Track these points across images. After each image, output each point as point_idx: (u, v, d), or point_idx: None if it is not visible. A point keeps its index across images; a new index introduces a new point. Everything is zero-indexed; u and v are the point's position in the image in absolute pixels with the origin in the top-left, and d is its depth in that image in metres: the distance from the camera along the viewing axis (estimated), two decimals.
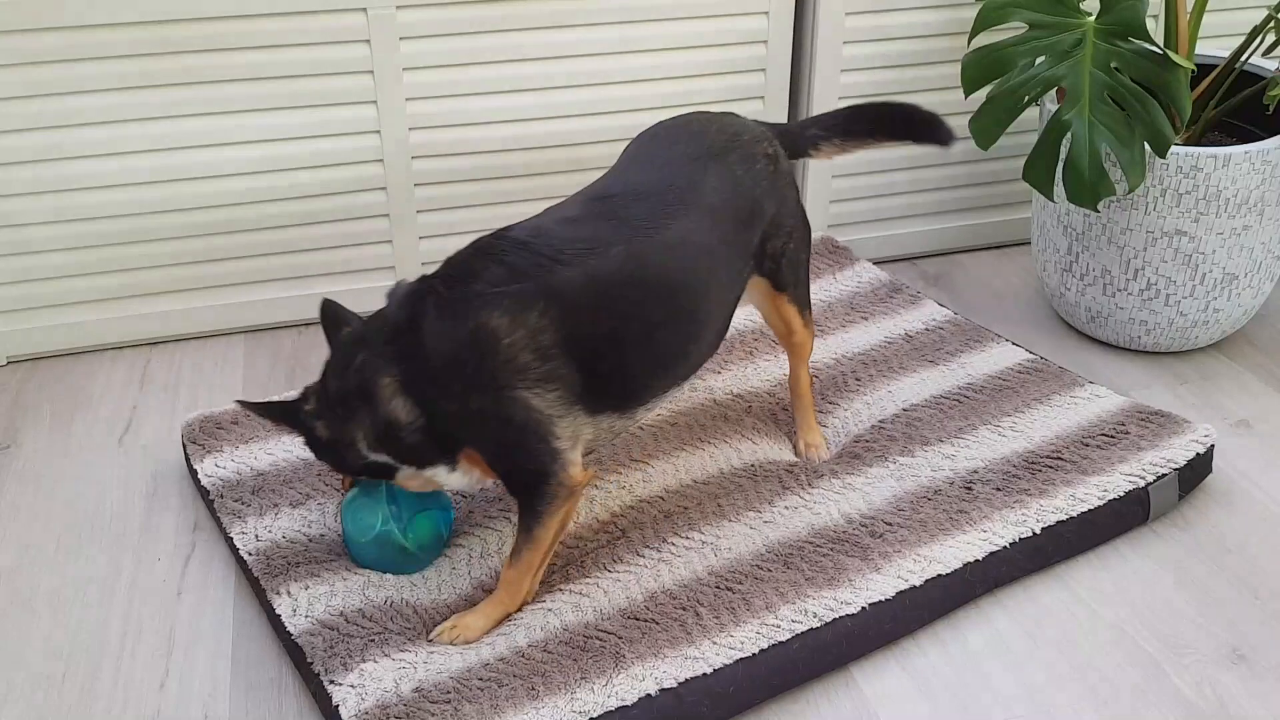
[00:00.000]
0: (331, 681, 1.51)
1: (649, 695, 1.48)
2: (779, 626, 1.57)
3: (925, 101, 2.47)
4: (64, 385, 2.21)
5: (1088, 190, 2.04)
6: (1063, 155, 2.07)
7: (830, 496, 1.82)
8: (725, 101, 2.40)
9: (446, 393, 1.53)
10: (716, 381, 2.11)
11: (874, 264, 2.50)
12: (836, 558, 1.69)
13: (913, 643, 1.64)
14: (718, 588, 1.65)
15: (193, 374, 2.24)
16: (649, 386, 1.66)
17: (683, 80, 2.37)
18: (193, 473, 1.91)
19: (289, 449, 1.92)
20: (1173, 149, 2.05)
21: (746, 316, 2.21)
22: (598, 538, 1.75)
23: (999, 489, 1.81)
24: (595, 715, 1.46)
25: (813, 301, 1.93)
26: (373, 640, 1.57)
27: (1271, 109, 2.13)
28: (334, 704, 1.48)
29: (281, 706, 1.56)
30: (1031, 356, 2.16)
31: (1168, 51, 1.99)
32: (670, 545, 1.73)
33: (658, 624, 1.59)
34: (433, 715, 1.46)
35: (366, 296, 2.05)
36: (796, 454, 1.96)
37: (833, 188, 2.55)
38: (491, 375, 1.51)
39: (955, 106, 2.46)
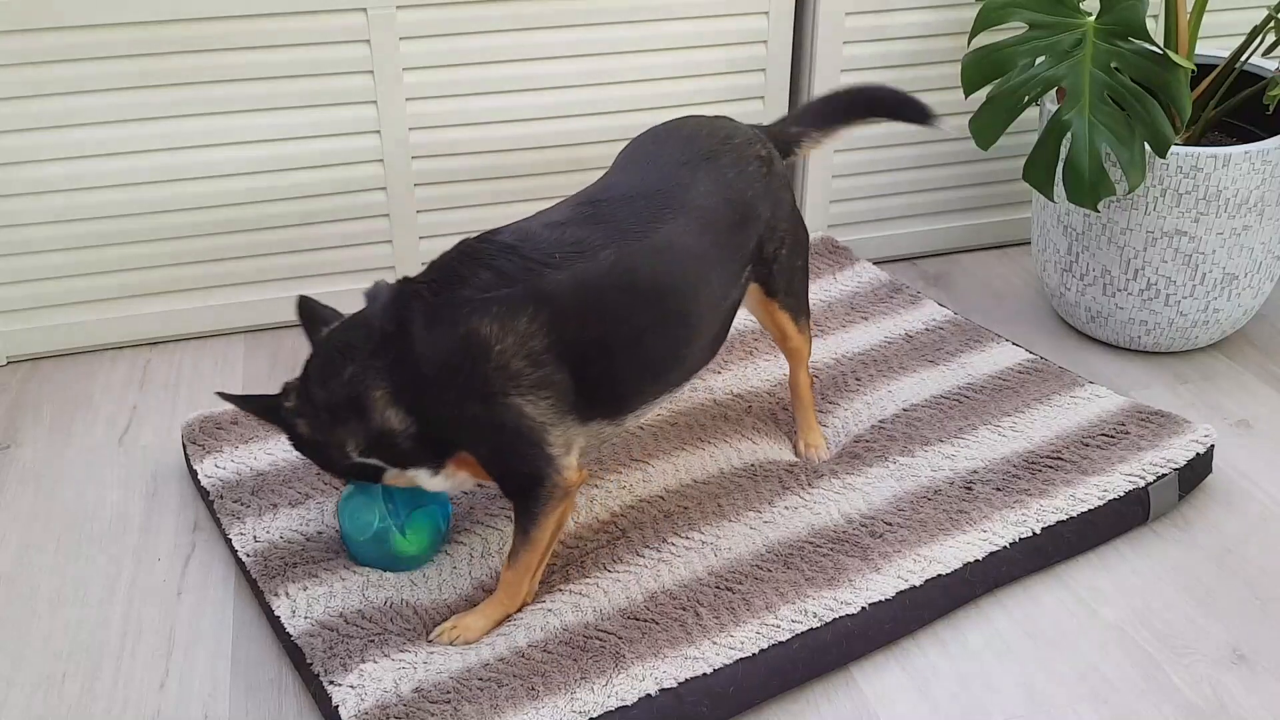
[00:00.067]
0: (331, 682, 1.51)
1: (649, 695, 1.48)
2: (779, 626, 1.57)
3: (925, 101, 2.49)
4: (64, 385, 2.21)
5: (1088, 190, 2.04)
6: (1063, 155, 2.07)
7: (830, 496, 1.82)
8: (725, 101, 2.40)
9: (441, 400, 1.52)
10: (716, 381, 2.11)
11: (874, 264, 2.50)
12: (836, 558, 1.69)
13: (913, 643, 1.64)
14: (718, 588, 1.65)
15: (193, 374, 2.24)
16: (639, 392, 1.66)
17: (683, 80, 2.37)
18: (193, 473, 1.91)
19: (289, 449, 1.91)
20: (1173, 149, 2.05)
21: (746, 316, 2.21)
22: (598, 538, 1.75)
23: (999, 489, 1.81)
24: (595, 715, 1.46)
25: (813, 301, 1.92)
26: (372, 641, 1.57)
27: (1271, 109, 2.13)
28: (334, 704, 1.48)
29: (281, 707, 1.56)
30: (1031, 356, 2.16)
31: (1168, 51, 1.99)
32: (670, 545, 1.73)
33: (658, 624, 1.59)
34: (433, 715, 1.46)
35: None
36: (796, 454, 1.96)
37: (833, 188, 2.55)
38: (484, 381, 1.51)
39: (955, 106, 2.47)
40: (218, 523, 1.82)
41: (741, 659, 1.53)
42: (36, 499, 1.92)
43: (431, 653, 1.56)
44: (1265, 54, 2.24)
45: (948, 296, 2.48)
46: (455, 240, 1.61)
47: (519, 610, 1.63)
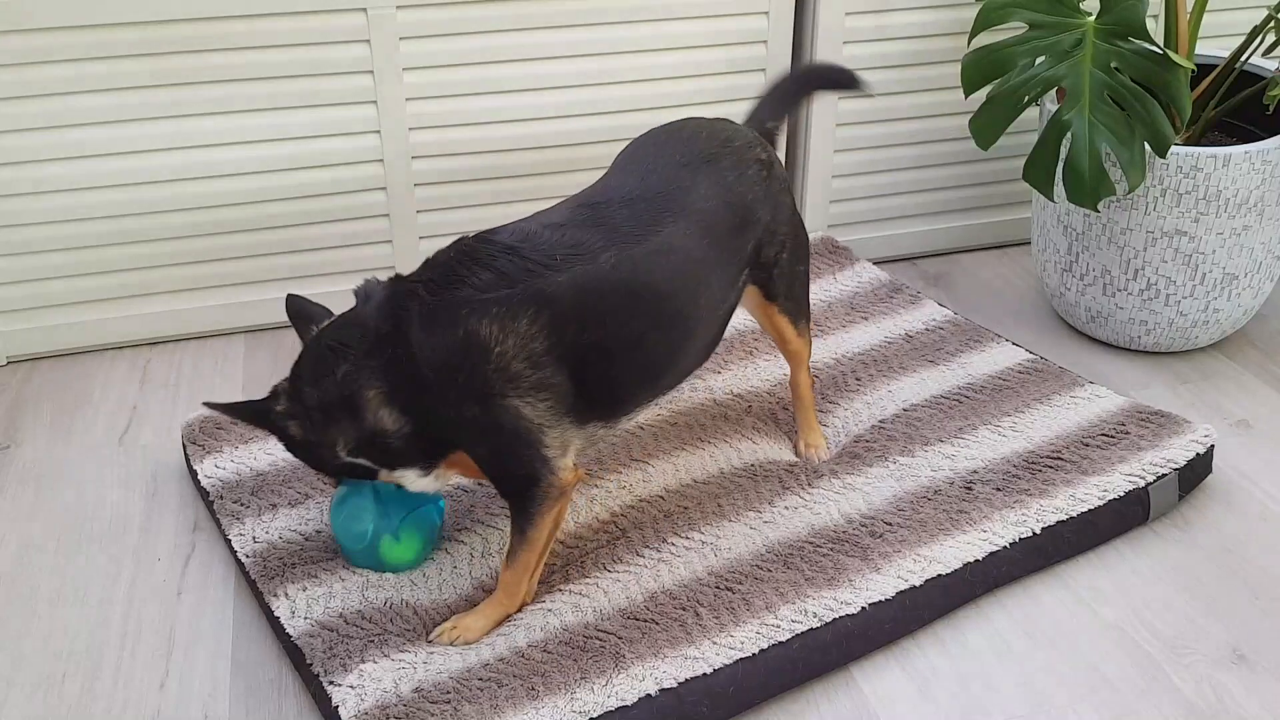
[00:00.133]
0: (331, 682, 1.51)
1: (649, 695, 1.48)
2: (779, 626, 1.57)
3: (925, 101, 2.50)
4: (64, 385, 2.21)
5: (1088, 190, 2.04)
6: (1063, 155, 2.07)
7: (830, 496, 1.82)
8: (725, 101, 2.40)
9: (439, 401, 1.52)
10: (716, 381, 2.11)
11: (874, 264, 2.50)
12: (836, 558, 1.69)
13: (913, 643, 1.64)
14: (718, 588, 1.64)
15: (193, 374, 2.24)
16: (636, 395, 1.66)
17: (683, 80, 2.37)
18: (192, 473, 1.91)
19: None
20: (1173, 149, 2.05)
21: (747, 316, 2.21)
22: (598, 538, 1.75)
23: (999, 489, 1.81)
24: (595, 715, 1.46)
25: (813, 301, 1.92)
26: (372, 641, 1.57)
27: (1271, 109, 2.13)
28: (333, 705, 1.48)
29: (281, 707, 1.56)
30: (1031, 356, 2.16)
31: (1168, 51, 1.99)
32: (670, 545, 1.73)
33: (658, 624, 1.59)
34: (432, 715, 1.46)
35: None
36: (796, 454, 1.96)
37: (833, 188, 2.55)
38: (484, 383, 1.50)
39: (955, 106, 2.47)
40: (217, 523, 1.82)
41: (741, 659, 1.53)
42: (36, 499, 1.92)
43: (431, 653, 1.56)
44: (1265, 54, 2.24)
45: (948, 296, 2.48)
46: (440, 250, 1.60)
47: (519, 610, 1.63)
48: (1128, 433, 1.92)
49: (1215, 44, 2.39)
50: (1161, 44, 2.04)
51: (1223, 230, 2.11)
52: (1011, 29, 2.11)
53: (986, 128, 2.12)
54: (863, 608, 1.61)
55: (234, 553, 1.75)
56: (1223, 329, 2.25)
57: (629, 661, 1.52)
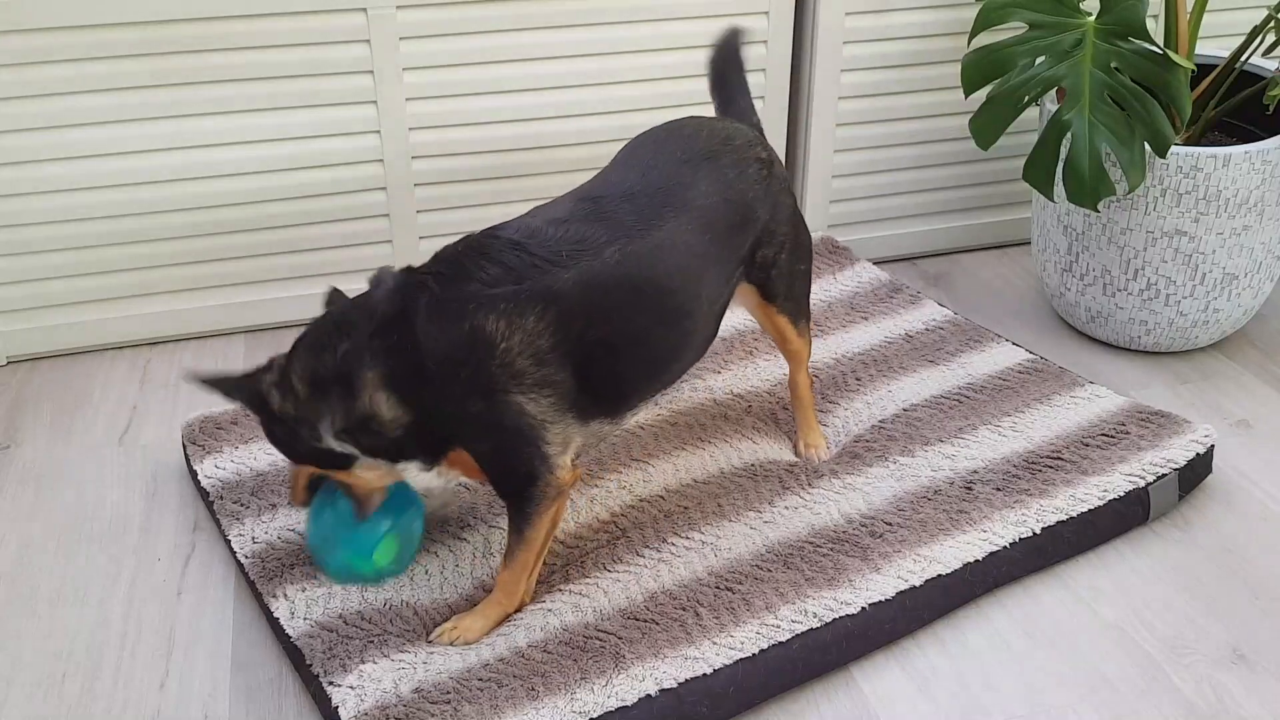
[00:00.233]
0: (331, 683, 1.51)
1: (649, 696, 1.48)
2: (779, 627, 1.57)
3: (925, 101, 2.50)
4: (64, 385, 2.21)
5: (1088, 190, 2.04)
6: (1063, 155, 2.07)
7: (830, 496, 1.82)
8: None
9: (442, 395, 1.51)
10: (716, 381, 2.11)
11: (874, 264, 2.50)
12: (836, 558, 1.69)
13: (913, 643, 1.64)
14: (718, 588, 1.64)
15: None
16: (640, 390, 1.66)
17: (682, 80, 2.37)
18: (193, 473, 1.91)
19: None
20: (1173, 149, 2.05)
21: (747, 316, 2.21)
22: (598, 537, 1.75)
23: (999, 489, 1.81)
24: (595, 715, 1.46)
25: (813, 301, 1.92)
26: (372, 641, 1.57)
27: (1271, 109, 2.13)
28: (333, 705, 1.48)
29: (281, 707, 1.56)
30: (1031, 356, 2.16)
31: (1168, 51, 1.99)
32: (670, 545, 1.73)
33: (658, 624, 1.59)
34: (432, 716, 1.46)
35: None
36: (796, 454, 1.96)
37: (833, 188, 2.55)
38: (488, 378, 1.50)
39: (955, 106, 2.47)
40: (217, 523, 1.82)
41: (741, 659, 1.53)
42: (36, 499, 1.92)
43: (431, 653, 1.56)
44: (1265, 54, 2.24)
45: (948, 296, 2.48)
46: (455, 240, 1.61)
47: (518, 610, 1.63)
48: (1128, 433, 1.92)
49: (1215, 44, 2.39)
50: (1161, 44, 2.04)
51: (1223, 230, 2.11)
52: (1011, 29, 2.11)
53: (986, 128, 2.12)
54: (863, 608, 1.61)
55: (234, 553, 1.75)
56: (1223, 329, 2.25)
57: (629, 662, 1.52)
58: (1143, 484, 1.82)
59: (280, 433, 1.58)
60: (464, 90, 2.27)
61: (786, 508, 1.80)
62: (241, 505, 1.81)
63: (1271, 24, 2.15)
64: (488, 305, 1.50)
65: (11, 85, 2.07)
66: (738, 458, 1.91)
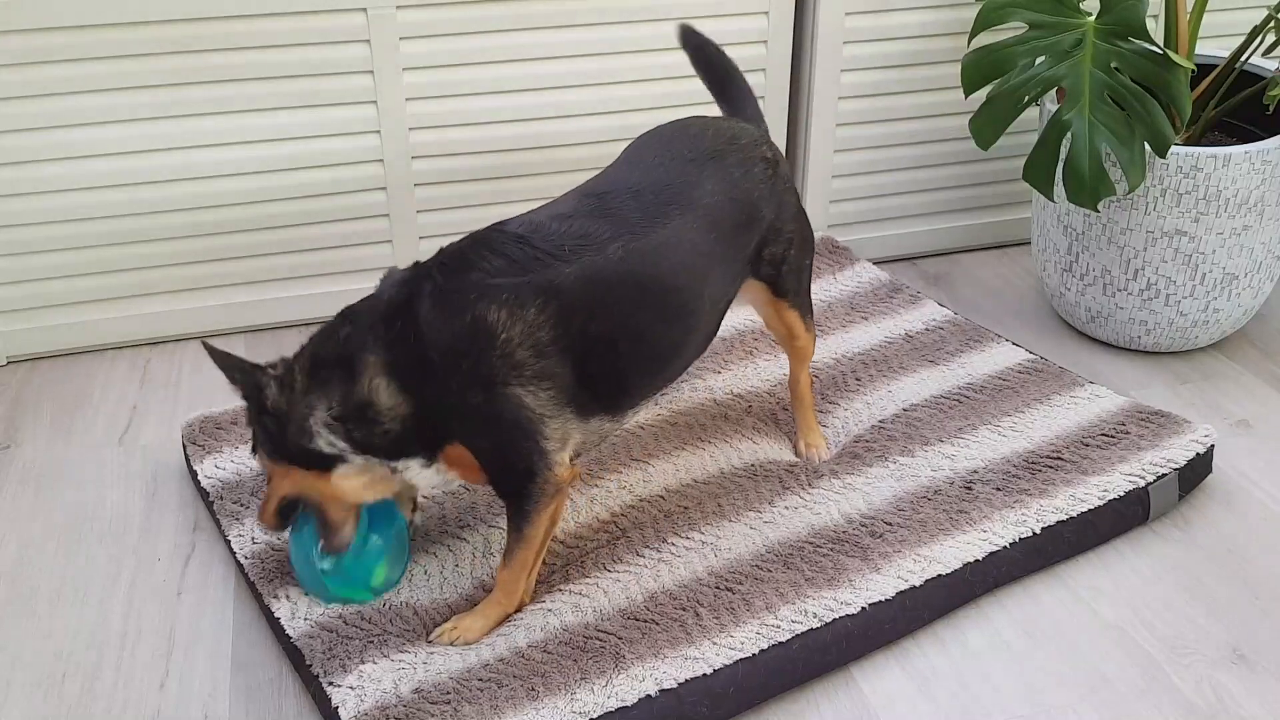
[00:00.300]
0: (331, 683, 1.51)
1: (649, 696, 1.48)
2: (779, 627, 1.57)
3: (925, 101, 2.50)
4: (64, 385, 2.21)
5: (1088, 190, 2.04)
6: (1063, 155, 2.07)
7: (830, 496, 1.82)
8: None
9: (442, 386, 1.51)
10: (716, 381, 2.11)
11: (874, 264, 2.51)
12: (836, 558, 1.69)
13: (913, 643, 1.64)
14: (718, 588, 1.64)
15: (193, 374, 2.24)
16: (640, 388, 1.66)
17: (683, 80, 2.36)
18: (192, 473, 1.91)
19: None
20: (1173, 149, 2.05)
21: (747, 316, 2.21)
22: (598, 537, 1.75)
23: (999, 489, 1.81)
24: (595, 716, 1.46)
25: (813, 301, 1.92)
26: (372, 642, 1.57)
27: (1271, 109, 2.13)
28: (333, 705, 1.48)
29: (281, 707, 1.56)
30: (1031, 356, 2.16)
31: (1168, 51, 1.99)
32: (670, 545, 1.73)
33: (658, 624, 1.59)
34: (432, 716, 1.46)
35: None
36: (796, 454, 1.96)
37: (833, 188, 2.55)
38: (489, 369, 1.50)
39: (955, 106, 2.47)
40: (217, 523, 1.82)
41: (741, 659, 1.53)
42: (36, 499, 1.92)
43: (431, 653, 1.56)
44: (1265, 54, 2.24)
45: (948, 296, 2.48)
46: (455, 240, 1.61)
47: (518, 610, 1.63)
48: (1128, 433, 1.92)
49: (1215, 44, 2.39)
50: (1161, 44, 2.04)
51: (1223, 230, 2.11)
52: (1011, 29, 2.11)
53: (986, 128, 2.12)
54: (863, 608, 1.61)
55: (234, 553, 1.75)
56: (1223, 329, 2.25)
57: (629, 662, 1.52)
58: (1143, 484, 1.82)
59: (269, 424, 1.56)
60: (464, 90, 2.27)
61: (786, 508, 1.80)
62: (241, 505, 1.81)
63: (1271, 24, 2.15)
64: (490, 295, 1.51)
65: (11, 85, 2.07)
66: (738, 458, 1.91)
